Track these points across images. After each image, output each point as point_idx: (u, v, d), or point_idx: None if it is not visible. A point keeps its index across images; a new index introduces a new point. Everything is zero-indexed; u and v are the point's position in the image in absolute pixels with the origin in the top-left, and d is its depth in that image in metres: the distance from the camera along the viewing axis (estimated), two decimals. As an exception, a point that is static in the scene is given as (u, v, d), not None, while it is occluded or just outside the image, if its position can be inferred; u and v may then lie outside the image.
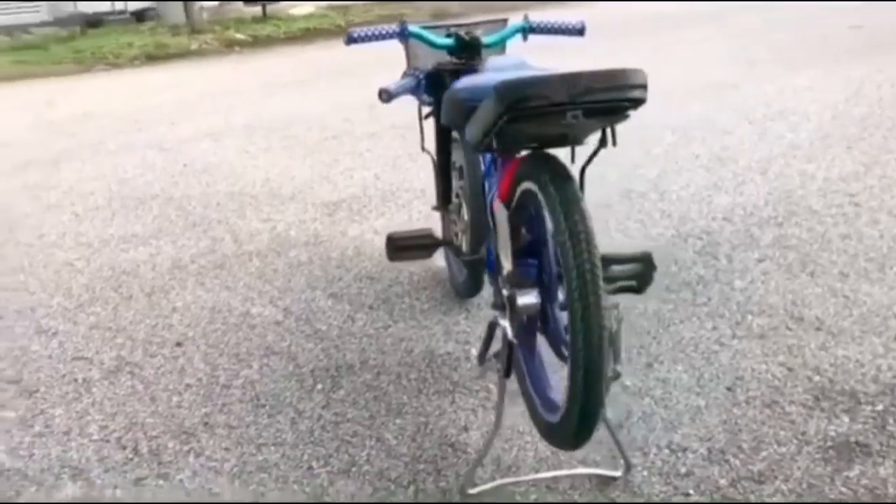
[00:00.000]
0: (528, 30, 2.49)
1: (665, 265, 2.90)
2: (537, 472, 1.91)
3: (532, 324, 1.81)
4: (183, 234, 3.49)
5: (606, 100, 1.59)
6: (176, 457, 2.04)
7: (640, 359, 2.35)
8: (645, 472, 1.90)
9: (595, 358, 1.53)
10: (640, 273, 1.94)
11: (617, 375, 1.79)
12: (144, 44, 9.78)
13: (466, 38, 2.42)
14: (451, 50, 2.45)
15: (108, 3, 11.55)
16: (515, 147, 1.77)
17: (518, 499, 1.84)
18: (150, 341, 2.61)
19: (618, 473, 1.89)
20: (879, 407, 2.08)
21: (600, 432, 1.78)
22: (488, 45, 2.47)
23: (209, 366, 2.44)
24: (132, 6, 11.76)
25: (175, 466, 2.00)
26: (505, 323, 1.76)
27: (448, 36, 2.44)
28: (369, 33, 2.43)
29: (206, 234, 3.46)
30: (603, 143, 1.68)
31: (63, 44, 10.18)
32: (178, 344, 2.58)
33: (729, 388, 2.19)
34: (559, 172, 1.67)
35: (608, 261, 1.93)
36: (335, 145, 4.59)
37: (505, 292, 1.76)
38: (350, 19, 11.38)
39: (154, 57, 9.16)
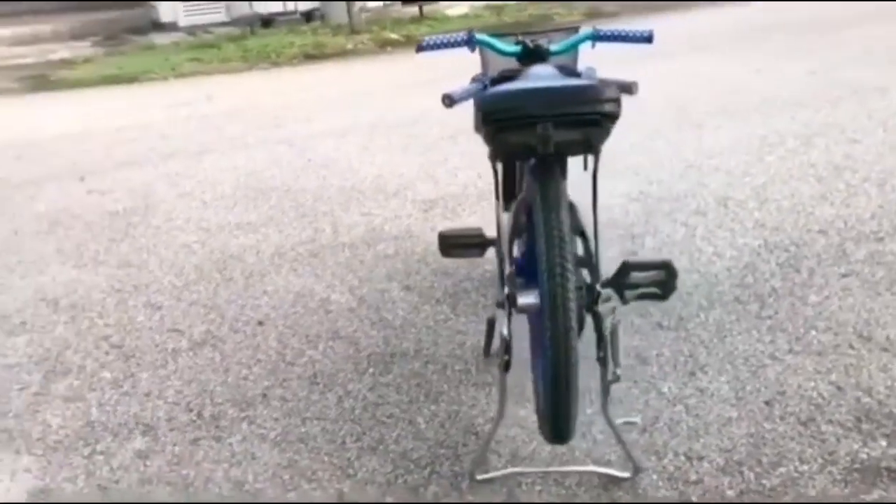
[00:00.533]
0: (595, 38, 2.52)
1: (741, 276, 2.87)
2: (548, 465, 1.99)
3: (536, 323, 1.89)
4: (291, 223, 3.77)
5: (575, 113, 1.64)
6: (232, 423, 2.27)
7: (685, 367, 2.35)
8: (654, 476, 1.93)
9: (559, 357, 1.60)
10: (661, 280, 1.97)
11: (616, 378, 1.84)
12: (305, 43, 10.36)
13: (531, 45, 2.51)
14: (518, 57, 2.54)
15: (281, 3, 12.33)
16: (516, 156, 1.85)
17: (524, 489, 1.93)
18: (237, 319, 2.88)
19: (626, 475, 1.93)
20: (924, 433, 2.00)
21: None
22: (555, 53, 2.53)
23: (281, 344, 2.67)
24: (302, 6, 12.48)
25: (229, 431, 2.23)
26: (503, 320, 1.85)
27: (517, 44, 2.54)
28: (438, 41, 2.56)
29: (311, 225, 3.72)
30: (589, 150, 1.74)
31: (234, 42, 10.97)
32: (260, 323, 2.83)
33: (767, 402, 2.16)
34: (550, 178, 1.74)
35: (630, 267, 1.98)
36: (449, 144, 4.75)
37: (506, 290, 1.85)
38: (503, 19, 11.55)
39: (311, 56, 9.70)
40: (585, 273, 1.96)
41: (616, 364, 1.82)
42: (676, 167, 4.08)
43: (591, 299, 1.82)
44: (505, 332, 1.78)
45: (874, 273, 2.81)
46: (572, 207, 1.93)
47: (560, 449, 2.03)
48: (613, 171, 4.06)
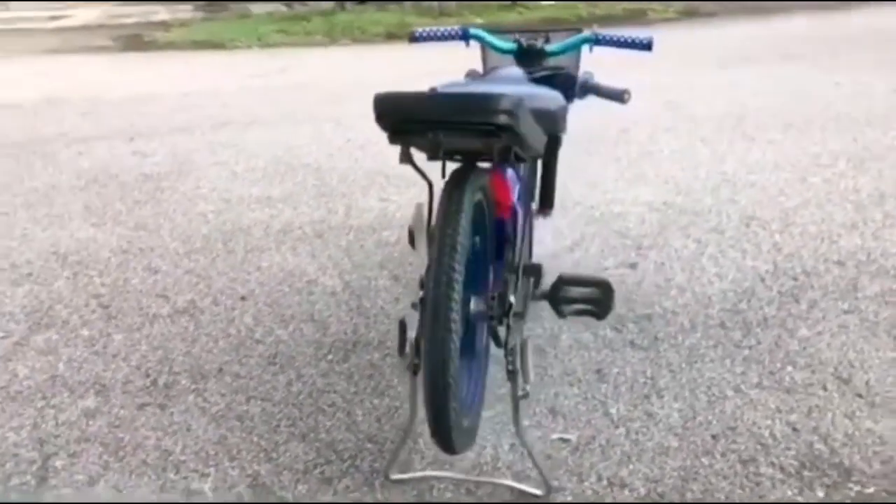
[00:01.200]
0: (592, 41, 2.44)
1: (735, 301, 2.75)
2: (467, 473, 1.96)
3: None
4: (307, 202, 3.81)
5: (463, 122, 1.60)
6: (181, 393, 2.32)
7: (642, 389, 2.27)
8: (570, 498, 1.88)
9: (435, 365, 1.57)
10: (597, 299, 1.91)
11: (525, 394, 1.79)
12: (390, 22, 10.44)
13: (525, 45, 2.46)
14: (515, 55, 2.50)
15: (378, -23, 12.31)
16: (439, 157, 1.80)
17: (434, 494, 1.91)
18: (222, 292, 2.93)
19: (539, 493, 1.88)
20: (869, 489, 1.87)
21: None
22: (551, 54, 2.48)
23: (254, 321, 2.71)
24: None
25: (175, 400, 2.28)
26: (412, 322, 1.82)
27: (513, 42, 2.50)
28: (432, 33, 2.54)
29: (326, 205, 3.76)
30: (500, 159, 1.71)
31: (323, 17, 11.13)
32: (243, 298, 2.88)
33: (713, 436, 2.07)
34: (455, 184, 1.70)
35: (566, 281, 1.92)
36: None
37: (420, 293, 1.82)
38: (592, 11, 11.32)
39: (393, 35, 9.75)
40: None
41: (525, 379, 1.77)
42: (711, 180, 3.94)
43: (502, 311, 1.78)
44: (413, 334, 1.75)
45: (878, 313, 2.64)
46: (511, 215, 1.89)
47: (486, 458, 2.00)
48: (643, 178, 3.97)
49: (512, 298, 1.80)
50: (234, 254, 3.27)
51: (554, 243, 3.06)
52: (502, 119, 1.57)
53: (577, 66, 2.56)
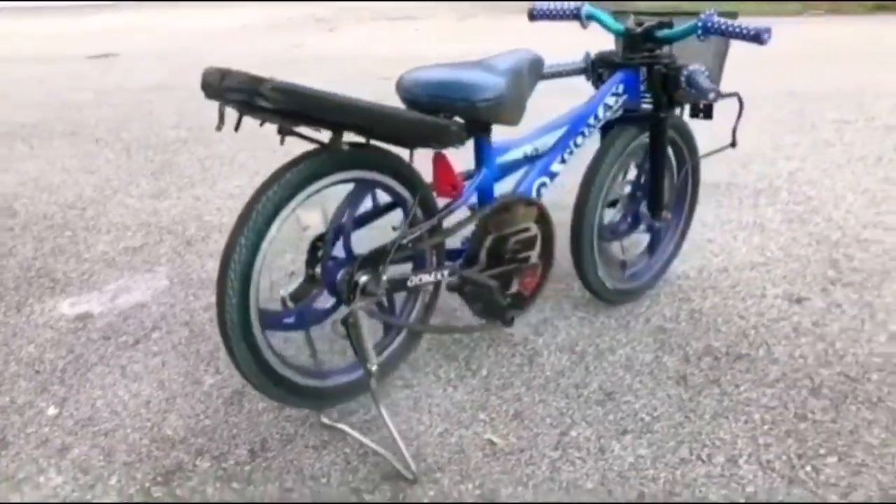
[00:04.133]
0: (703, 29, 2.15)
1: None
2: (364, 435, 1.96)
3: None
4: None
5: (232, 97, 1.58)
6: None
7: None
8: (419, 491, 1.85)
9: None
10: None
11: (370, 375, 1.80)
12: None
13: (628, 28, 2.33)
14: (622, 37, 2.37)
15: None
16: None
17: (310, 452, 1.91)
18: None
19: (410, 477, 1.86)
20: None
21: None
22: (658, 39, 2.29)
23: (171, 292, 2.79)
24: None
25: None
26: None
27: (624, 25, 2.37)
28: (549, 11, 2.47)
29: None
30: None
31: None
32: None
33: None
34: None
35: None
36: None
37: None
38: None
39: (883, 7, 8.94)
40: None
41: (366, 360, 1.78)
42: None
43: (349, 290, 1.81)
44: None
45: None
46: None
47: (403, 426, 2.01)
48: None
49: (364, 279, 1.82)
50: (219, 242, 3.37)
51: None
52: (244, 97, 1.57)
53: (711, 62, 2.40)
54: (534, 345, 2.42)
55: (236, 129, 1.64)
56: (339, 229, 1.86)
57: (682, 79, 2.23)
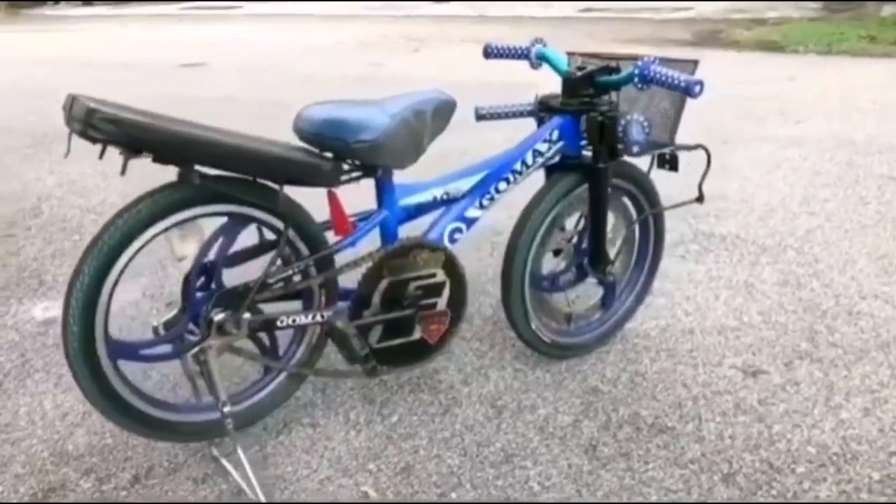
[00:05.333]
0: (640, 77, 1.98)
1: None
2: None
3: None
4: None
5: (73, 127, 1.58)
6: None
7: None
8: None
9: None
10: None
11: (224, 405, 1.77)
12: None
13: (569, 71, 2.20)
14: (563, 80, 2.24)
15: None
16: None
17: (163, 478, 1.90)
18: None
19: (262, 500, 1.82)
20: None
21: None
22: (603, 86, 2.15)
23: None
24: None
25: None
26: None
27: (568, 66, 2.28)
28: (502, 50, 2.41)
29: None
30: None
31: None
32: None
33: None
34: None
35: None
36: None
37: None
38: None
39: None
40: None
41: (216, 397, 1.75)
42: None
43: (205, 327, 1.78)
44: None
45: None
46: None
47: (288, 469, 2.01)
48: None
49: (220, 316, 1.79)
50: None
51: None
52: (79, 127, 1.60)
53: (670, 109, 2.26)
54: (457, 394, 2.34)
55: (99, 155, 1.63)
56: (214, 262, 1.85)
57: (619, 129, 2.11)
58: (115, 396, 1.77)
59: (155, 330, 1.85)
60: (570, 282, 2.44)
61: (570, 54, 2.33)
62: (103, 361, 1.72)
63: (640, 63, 2.02)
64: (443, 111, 2.01)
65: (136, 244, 1.70)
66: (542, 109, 2.26)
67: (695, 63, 2.26)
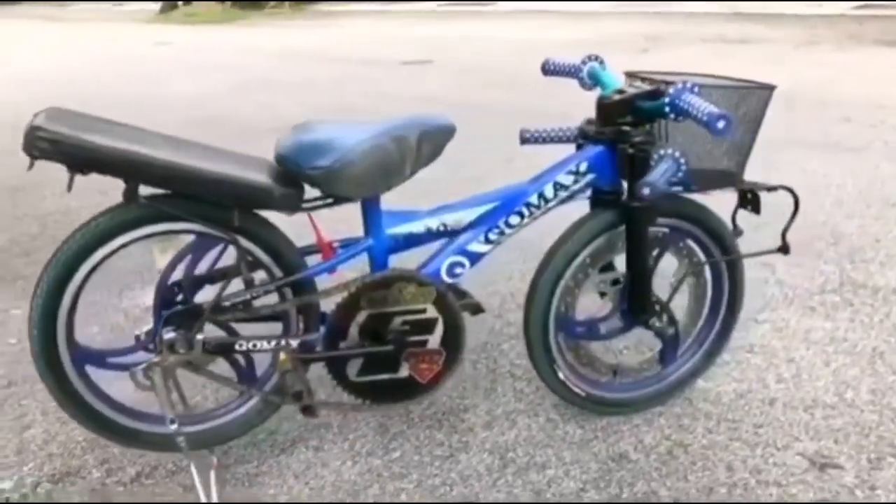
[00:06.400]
0: (671, 107, 1.74)
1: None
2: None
3: None
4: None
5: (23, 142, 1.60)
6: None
7: None
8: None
9: None
10: None
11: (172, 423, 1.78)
12: None
13: (608, 96, 1.94)
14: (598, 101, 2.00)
15: None
16: None
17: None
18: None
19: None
20: None
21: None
22: (639, 111, 1.89)
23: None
24: None
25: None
26: None
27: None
28: (558, 67, 2.22)
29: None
30: None
31: None
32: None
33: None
34: None
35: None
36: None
37: None
38: None
39: None
40: None
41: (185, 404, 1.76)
42: None
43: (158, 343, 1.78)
44: None
45: None
46: None
47: (270, 491, 2.01)
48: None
49: (170, 335, 1.80)
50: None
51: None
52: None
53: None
54: (472, 438, 2.18)
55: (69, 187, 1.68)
56: (181, 280, 1.86)
57: (652, 164, 1.83)
58: (80, 401, 1.84)
59: (137, 338, 1.90)
60: (616, 330, 2.16)
61: (629, 75, 2.06)
62: (66, 366, 1.80)
63: (671, 91, 1.74)
64: (433, 136, 1.85)
65: (95, 257, 1.74)
66: (581, 136, 2.02)
67: (769, 90, 1.91)
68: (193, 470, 1.86)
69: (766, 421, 2.18)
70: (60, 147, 1.58)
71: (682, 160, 1.79)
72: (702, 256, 2.16)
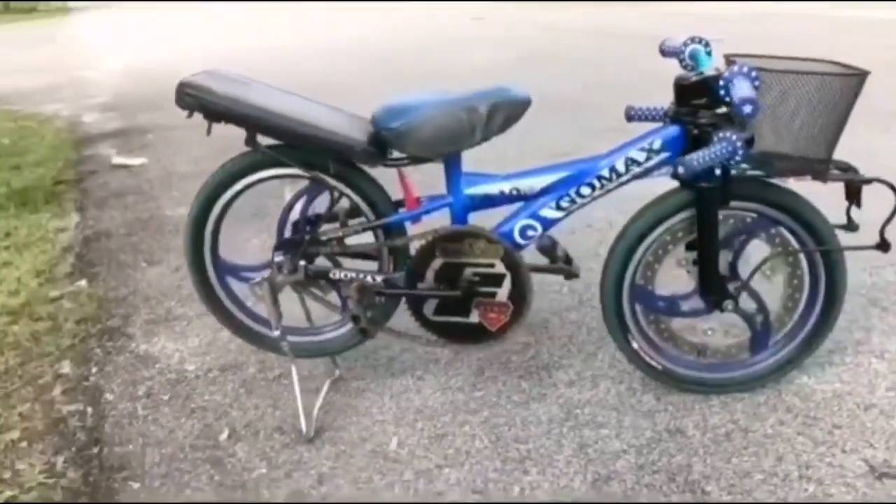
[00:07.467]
0: (723, 89, 1.79)
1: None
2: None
3: None
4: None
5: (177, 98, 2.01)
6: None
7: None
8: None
9: None
10: None
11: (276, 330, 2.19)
12: None
13: (686, 77, 1.99)
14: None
15: None
16: None
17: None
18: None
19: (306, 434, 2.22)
20: None
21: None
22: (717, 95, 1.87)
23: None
24: None
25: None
26: None
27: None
28: (672, 48, 2.14)
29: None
30: None
31: None
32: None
33: None
34: None
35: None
36: None
37: None
38: None
39: None
40: None
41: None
42: None
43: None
44: None
45: None
46: None
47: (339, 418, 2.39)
48: None
49: (279, 258, 2.19)
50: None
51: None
52: None
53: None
54: (550, 391, 2.36)
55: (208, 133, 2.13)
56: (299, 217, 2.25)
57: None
58: (220, 305, 2.33)
59: (270, 261, 2.35)
60: (698, 310, 2.20)
61: (728, 58, 2.06)
62: (210, 275, 2.29)
63: (725, 74, 1.78)
64: (506, 107, 2.04)
65: (228, 193, 2.19)
66: (666, 116, 2.08)
67: (858, 76, 1.84)
68: (293, 371, 2.27)
69: (847, 424, 2.09)
70: (199, 101, 2.03)
71: (739, 144, 1.80)
72: (795, 245, 2.11)
